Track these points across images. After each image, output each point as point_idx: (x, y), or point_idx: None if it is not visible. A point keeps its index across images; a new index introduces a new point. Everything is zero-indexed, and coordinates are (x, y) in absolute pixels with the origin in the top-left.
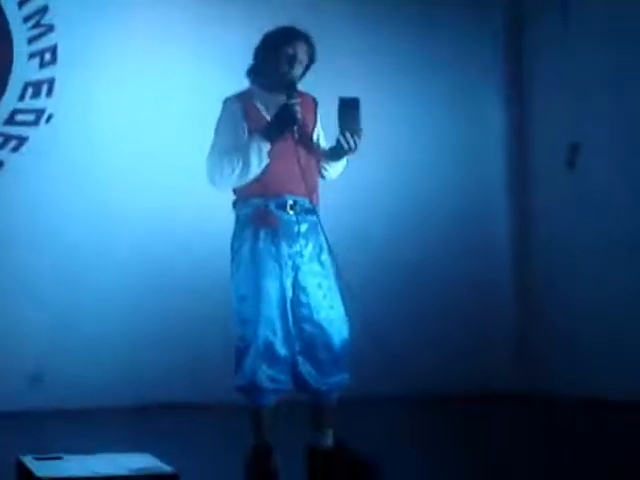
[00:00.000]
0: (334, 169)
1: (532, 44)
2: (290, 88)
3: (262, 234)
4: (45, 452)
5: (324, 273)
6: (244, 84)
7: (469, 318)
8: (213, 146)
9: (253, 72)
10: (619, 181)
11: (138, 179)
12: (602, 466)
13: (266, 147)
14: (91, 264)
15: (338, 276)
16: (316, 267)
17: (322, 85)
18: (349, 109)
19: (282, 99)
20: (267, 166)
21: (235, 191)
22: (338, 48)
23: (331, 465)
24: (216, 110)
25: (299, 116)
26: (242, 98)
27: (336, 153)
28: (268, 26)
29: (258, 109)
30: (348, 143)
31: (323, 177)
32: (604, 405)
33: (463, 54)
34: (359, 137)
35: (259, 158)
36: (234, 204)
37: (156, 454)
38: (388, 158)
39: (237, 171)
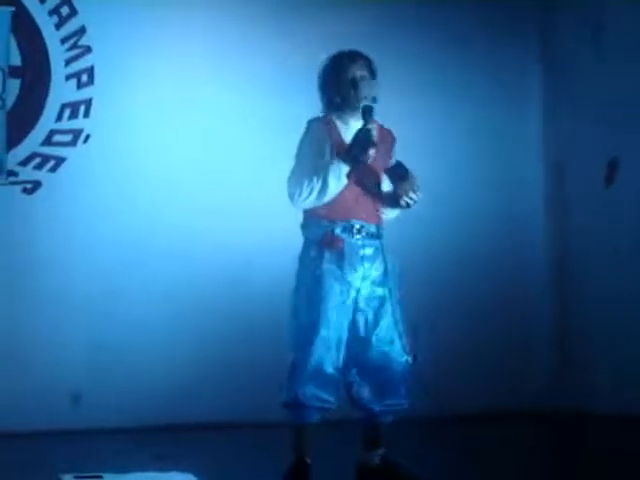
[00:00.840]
0: (390, 213)
1: (567, 65)
2: (366, 112)
3: (327, 256)
4: (85, 471)
5: (386, 297)
6: (273, 103)
7: (508, 335)
8: (295, 166)
9: (325, 101)
10: None
11: (176, 199)
12: None
13: (345, 170)
14: (127, 286)
15: (399, 300)
16: (379, 291)
17: None
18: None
19: (358, 124)
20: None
21: (304, 213)
22: None
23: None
24: (245, 125)
25: (375, 141)
26: (325, 121)
27: (393, 205)
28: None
29: (339, 132)
30: (408, 202)
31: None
32: None
33: (499, 84)
34: (413, 199)
35: (338, 180)
36: (302, 226)
37: (196, 474)
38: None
39: (315, 192)
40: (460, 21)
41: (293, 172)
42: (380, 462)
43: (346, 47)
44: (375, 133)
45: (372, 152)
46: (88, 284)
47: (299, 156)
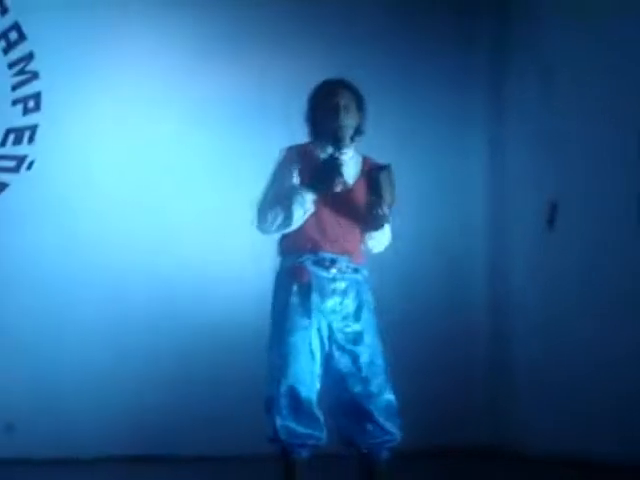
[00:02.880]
0: (376, 240)
1: (514, 104)
2: (337, 140)
3: (294, 288)
4: None
5: (362, 332)
6: (234, 125)
7: (445, 371)
8: (264, 193)
9: (307, 126)
10: (595, 240)
11: (121, 230)
12: None
13: (310, 198)
14: (69, 312)
15: (380, 333)
16: (354, 326)
17: None
18: (375, 175)
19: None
20: (307, 220)
21: (278, 240)
22: None
23: None
24: (202, 154)
25: (341, 170)
26: (299, 148)
27: (368, 220)
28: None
29: (313, 160)
30: (374, 210)
31: (368, 246)
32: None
33: (445, 122)
34: (384, 202)
35: (303, 209)
36: (277, 252)
37: None
38: None
39: (279, 219)
40: (406, 56)
41: (260, 199)
42: None
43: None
44: (340, 162)
45: (338, 181)
46: (27, 314)
47: (268, 183)
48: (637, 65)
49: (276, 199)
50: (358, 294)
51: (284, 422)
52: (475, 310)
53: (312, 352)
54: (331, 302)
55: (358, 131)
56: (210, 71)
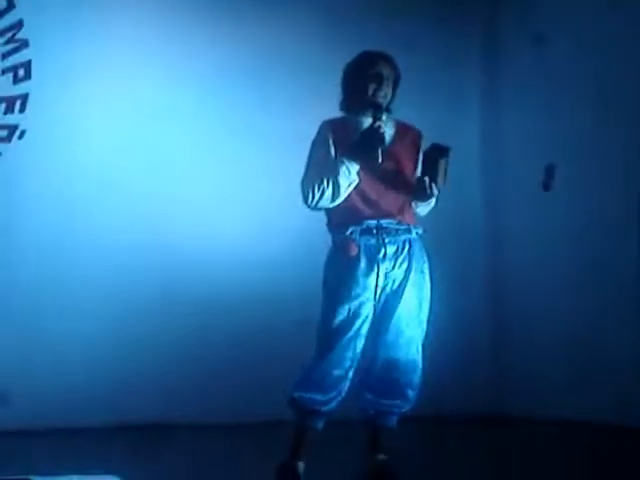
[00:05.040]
0: (421, 208)
1: (508, 73)
2: (376, 109)
3: (343, 261)
4: (13, 473)
5: (407, 294)
6: (217, 100)
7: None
8: (307, 169)
9: (343, 100)
10: (591, 204)
11: (112, 197)
12: None
13: (354, 168)
14: (60, 281)
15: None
16: (401, 287)
17: None
18: (434, 156)
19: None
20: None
21: (327, 220)
22: None
23: None
24: (189, 119)
25: (383, 138)
26: (335, 122)
27: (416, 194)
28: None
29: (349, 133)
30: (425, 188)
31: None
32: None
33: (438, 78)
34: (436, 185)
35: (348, 180)
36: (329, 231)
37: (124, 476)
38: None
39: (327, 193)
40: (401, 23)
41: (305, 175)
42: (374, 468)
43: None
44: (383, 131)
45: (380, 150)
46: (17, 280)
47: (309, 158)
48: (630, 30)
49: (320, 173)
50: (408, 256)
51: (305, 388)
52: (473, 274)
53: (358, 324)
54: (383, 268)
55: (390, 104)
56: (214, 40)
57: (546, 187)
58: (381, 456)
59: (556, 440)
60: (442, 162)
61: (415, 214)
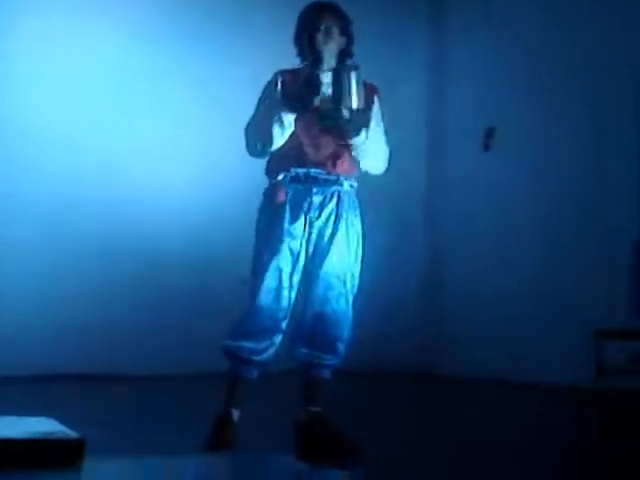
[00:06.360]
0: (363, 156)
1: (454, 28)
2: (315, 61)
3: (270, 207)
4: None
5: (338, 243)
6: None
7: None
8: (252, 116)
9: (297, 50)
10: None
11: (65, 150)
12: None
13: (288, 117)
14: (69, 239)
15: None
16: (329, 239)
17: None
18: (339, 73)
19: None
20: (288, 140)
21: (266, 163)
22: None
23: (311, 438)
24: (138, 74)
25: (319, 87)
26: (288, 72)
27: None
28: None
29: (298, 81)
30: (335, 114)
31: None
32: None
33: (387, 45)
34: (342, 103)
35: (281, 128)
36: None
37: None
38: None
39: (261, 140)
40: None
41: (248, 122)
42: (307, 419)
43: None
44: (318, 80)
45: (314, 99)
46: (26, 238)
47: (256, 106)
48: None
49: (259, 121)
50: (338, 207)
51: (238, 338)
52: (412, 230)
53: (280, 272)
54: (307, 217)
55: (345, 54)
56: None
57: (486, 147)
58: (314, 407)
59: (485, 397)
60: (346, 78)
61: (352, 166)
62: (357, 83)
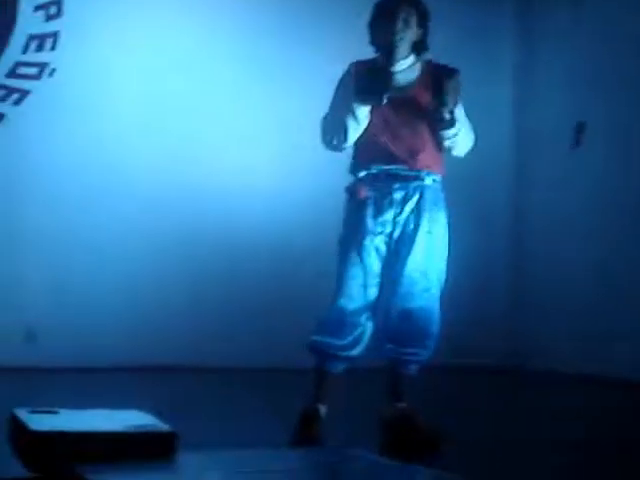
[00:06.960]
0: (451, 141)
1: (542, 27)
2: (388, 52)
3: (353, 205)
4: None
5: (421, 239)
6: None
7: (468, 290)
8: (328, 110)
9: (371, 40)
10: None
11: (142, 136)
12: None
13: (362, 111)
14: (90, 221)
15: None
16: (411, 235)
17: None
18: (441, 78)
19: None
20: (368, 134)
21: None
22: None
23: (398, 434)
24: (218, 64)
25: (388, 80)
26: (361, 63)
27: (435, 123)
28: None
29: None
30: (438, 114)
31: (448, 150)
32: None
33: (472, 47)
34: (445, 106)
35: (355, 122)
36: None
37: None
38: None
39: (336, 135)
40: None
41: (324, 115)
42: (393, 415)
43: None
44: (389, 73)
45: (384, 93)
46: (49, 220)
47: (332, 99)
48: None
49: (334, 114)
50: (420, 203)
51: (325, 334)
52: (499, 228)
53: (365, 268)
54: (390, 214)
55: (420, 46)
56: None
57: (576, 144)
58: (401, 404)
59: (574, 394)
60: (448, 82)
61: (435, 160)
62: (458, 89)
